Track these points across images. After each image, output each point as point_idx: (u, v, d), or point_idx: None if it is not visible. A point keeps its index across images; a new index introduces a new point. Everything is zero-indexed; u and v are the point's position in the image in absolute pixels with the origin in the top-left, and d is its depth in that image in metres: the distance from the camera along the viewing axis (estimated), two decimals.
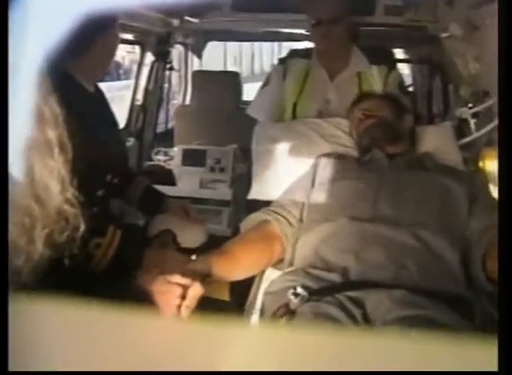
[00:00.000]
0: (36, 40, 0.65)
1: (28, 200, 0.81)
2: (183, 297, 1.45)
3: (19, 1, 0.63)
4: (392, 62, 2.98)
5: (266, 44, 20.67)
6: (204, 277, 1.61)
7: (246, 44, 18.61)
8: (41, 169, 0.82)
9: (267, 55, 21.40)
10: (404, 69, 4.53)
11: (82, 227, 0.96)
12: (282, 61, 3.04)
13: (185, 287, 1.46)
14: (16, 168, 0.71)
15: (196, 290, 1.47)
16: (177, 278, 1.47)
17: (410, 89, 2.96)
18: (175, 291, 1.46)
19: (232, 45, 16.68)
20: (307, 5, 2.81)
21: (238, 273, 1.84)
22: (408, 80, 4.39)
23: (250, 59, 21.20)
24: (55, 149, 0.85)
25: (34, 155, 0.80)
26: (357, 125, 2.34)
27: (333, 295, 1.61)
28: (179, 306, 1.45)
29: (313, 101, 2.84)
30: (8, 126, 0.66)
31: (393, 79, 2.83)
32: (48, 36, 0.65)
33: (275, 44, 17.39)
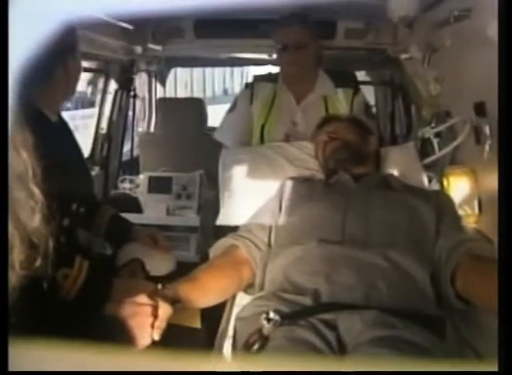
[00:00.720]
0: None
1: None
2: (155, 316, 1.45)
3: None
4: (356, 85, 3.02)
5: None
6: (173, 304, 1.60)
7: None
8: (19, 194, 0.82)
9: (237, 77, 21.44)
10: (367, 91, 4.59)
11: (50, 256, 0.95)
12: (248, 85, 3.06)
13: (154, 308, 1.47)
14: None
15: (165, 310, 1.48)
16: (145, 299, 1.48)
17: (374, 111, 3.00)
18: (145, 311, 1.45)
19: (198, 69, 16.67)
20: (273, 31, 2.84)
21: (206, 300, 1.82)
22: (371, 102, 4.45)
23: (222, 81, 21.19)
24: (29, 176, 0.84)
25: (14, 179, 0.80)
26: (322, 147, 2.36)
27: (306, 319, 1.60)
28: (152, 326, 1.44)
29: (280, 124, 2.86)
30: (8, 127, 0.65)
31: (358, 101, 2.87)
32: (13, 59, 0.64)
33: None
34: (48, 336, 0.61)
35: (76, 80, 2.02)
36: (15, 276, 0.86)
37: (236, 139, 2.97)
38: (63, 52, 1.88)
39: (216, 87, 20.15)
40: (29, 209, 0.85)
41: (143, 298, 1.48)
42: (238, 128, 3.00)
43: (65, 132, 2.10)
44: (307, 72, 2.85)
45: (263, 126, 2.90)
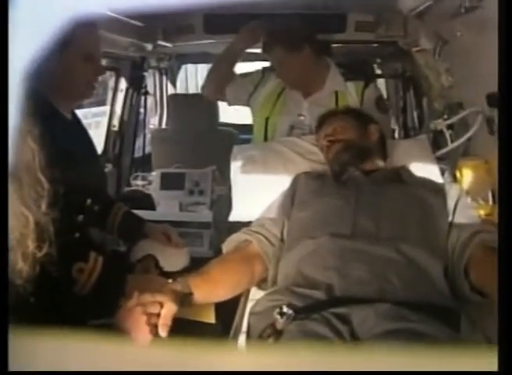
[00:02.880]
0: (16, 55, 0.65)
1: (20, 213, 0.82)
2: (157, 314, 1.46)
3: None
4: (368, 77, 3.00)
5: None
6: (183, 297, 1.60)
7: None
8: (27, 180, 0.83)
9: None
10: (379, 84, 4.58)
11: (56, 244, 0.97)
12: (264, 69, 3.07)
13: (160, 305, 1.47)
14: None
15: (169, 308, 1.48)
16: (148, 297, 1.48)
17: (387, 107, 2.99)
18: (147, 310, 1.46)
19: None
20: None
21: (218, 294, 1.82)
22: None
23: None
24: (35, 164, 0.86)
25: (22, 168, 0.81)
26: (326, 152, 2.34)
27: (319, 313, 1.60)
28: (155, 325, 1.45)
29: (285, 116, 2.87)
30: (8, 128, 0.66)
31: (369, 94, 2.85)
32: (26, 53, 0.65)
33: None
34: (61, 329, 0.62)
35: (93, 81, 2.02)
36: (28, 268, 0.87)
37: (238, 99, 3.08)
38: (80, 52, 1.89)
39: None
40: (36, 195, 0.87)
41: (147, 296, 1.48)
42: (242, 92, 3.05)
43: (79, 130, 2.11)
44: (311, 73, 2.83)
45: (267, 119, 2.91)
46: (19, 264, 0.86)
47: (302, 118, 2.86)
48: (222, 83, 3.04)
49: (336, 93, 2.83)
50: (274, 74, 2.92)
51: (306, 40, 2.75)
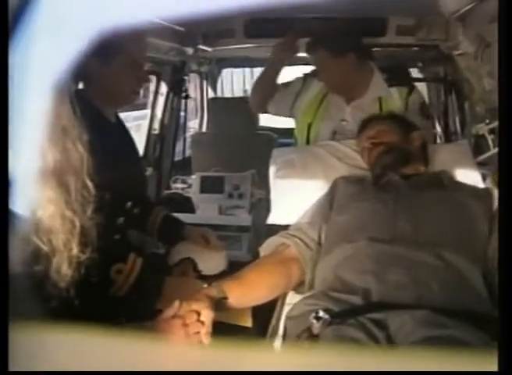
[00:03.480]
0: (44, 61, 0.66)
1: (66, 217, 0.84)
2: (201, 323, 1.47)
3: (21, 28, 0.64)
4: (411, 83, 2.97)
5: None
6: (219, 301, 1.61)
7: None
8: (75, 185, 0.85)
9: None
10: (420, 88, 4.53)
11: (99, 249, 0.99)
12: (305, 75, 3.07)
13: (197, 313, 1.47)
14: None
15: (206, 315, 1.48)
16: (185, 307, 1.48)
17: (430, 112, 2.95)
18: (185, 321, 1.46)
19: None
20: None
21: (254, 297, 1.82)
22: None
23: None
24: (84, 169, 0.88)
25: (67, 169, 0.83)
26: (367, 155, 2.32)
27: (356, 318, 1.59)
28: (196, 333, 1.45)
29: (328, 121, 2.86)
30: (8, 128, 0.67)
31: (413, 100, 2.83)
32: (57, 59, 0.66)
33: None
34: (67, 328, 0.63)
35: (139, 88, 2.05)
36: (71, 271, 0.89)
37: (284, 112, 3.08)
38: (128, 60, 1.92)
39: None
40: (83, 200, 0.88)
41: (185, 305, 1.48)
42: (286, 104, 3.04)
43: (123, 133, 2.14)
44: (354, 78, 2.82)
45: (310, 125, 2.90)
46: (64, 267, 0.87)
47: (344, 123, 2.84)
48: (264, 96, 3.06)
49: (380, 99, 2.81)
50: (316, 80, 2.92)
51: (351, 45, 2.74)
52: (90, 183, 0.91)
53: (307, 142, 2.94)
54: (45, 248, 0.82)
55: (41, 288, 0.82)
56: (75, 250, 0.89)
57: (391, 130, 2.31)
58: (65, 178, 0.84)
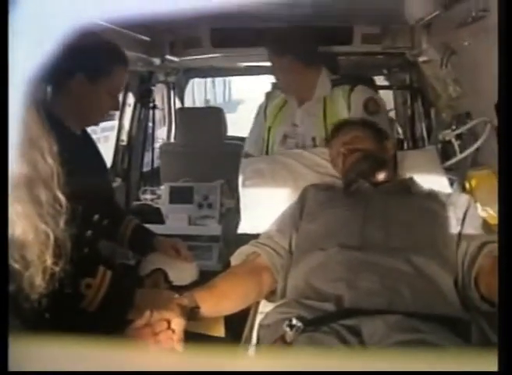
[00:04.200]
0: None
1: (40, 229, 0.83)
2: (172, 331, 1.46)
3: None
4: (354, 81, 2.95)
5: None
6: (191, 311, 1.60)
7: None
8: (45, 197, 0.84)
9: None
10: (386, 95, 4.56)
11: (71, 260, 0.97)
12: (266, 95, 3.10)
13: (168, 322, 1.46)
14: None
15: (177, 323, 1.47)
16: (155, 315, 1.47)
17: (377, 108, 2.93)
18: (155, 330, 1.45)
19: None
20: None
21: (225, 307, 1.81)
22: (390, 106, 4.43)
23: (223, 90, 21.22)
24: (54, 181, 0.87)
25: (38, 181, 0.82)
26: (342, 160, 2.30)
27: (328, 325, 1.59)
28: (167, 340, 1.44)
29: (282, 126, 2.91)
30: (8, 129, 0.66)
31: (356, 97, 2.80)
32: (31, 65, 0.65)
33: None
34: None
35: (109, 112, 2.07)
36: (44, 283, 0.87)
37: (259, 148, 3.04)
38: (108, 87, 1.93)
39: (218, 96, 20.14)
40: (55, 212, 0.87)
41: (157, 314, 1.48)
42: (258, 137, 3.04)
43: (89, 144, 2.13)
44: (302, 79, 2.83)
45: (270, 129, 2.94)
46: (38, 279, 0.86)
47: (295, 127, 2.87)
48: None
49: (325, 99, 2.83)
50: (277, 90, 2.97)
51: (291, 46, 2.76)
52: (61, 196, 0.90)
53: (267, 147, 2.95)
54: (17, 265, 0.80)
55: (14, 303, 0.80)
56: (49, 261, 0.87)
57: (365, 137, 2.31)
58: (35, 191, 0.83)
